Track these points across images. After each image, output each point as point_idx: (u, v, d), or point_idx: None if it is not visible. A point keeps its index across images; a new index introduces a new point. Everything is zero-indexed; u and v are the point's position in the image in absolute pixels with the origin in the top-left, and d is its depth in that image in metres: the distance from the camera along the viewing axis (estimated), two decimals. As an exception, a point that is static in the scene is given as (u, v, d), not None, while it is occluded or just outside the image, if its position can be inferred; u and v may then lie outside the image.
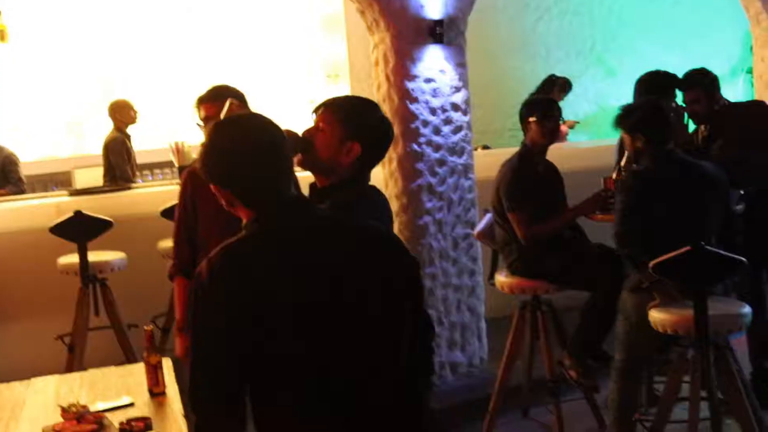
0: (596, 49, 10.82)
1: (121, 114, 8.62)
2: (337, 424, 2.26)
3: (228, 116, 2.47)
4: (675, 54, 10.03)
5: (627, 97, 5.66)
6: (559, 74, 9.47)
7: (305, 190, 2.99)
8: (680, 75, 5.54)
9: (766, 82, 7.55)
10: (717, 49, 10.14)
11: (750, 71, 9.88)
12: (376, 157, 2.99)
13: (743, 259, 4.06)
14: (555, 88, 9.28)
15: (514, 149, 5.47)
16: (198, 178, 4.02)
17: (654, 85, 5.48)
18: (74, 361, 5.81)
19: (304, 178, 2.97)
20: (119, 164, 8.56)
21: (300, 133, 2.95)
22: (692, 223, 4.49)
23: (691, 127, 5.70)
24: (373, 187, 3.03)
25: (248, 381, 2.26)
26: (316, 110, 2.94)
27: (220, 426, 2.27)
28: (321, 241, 2.29)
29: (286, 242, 2.27)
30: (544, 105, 5.28)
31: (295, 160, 2.87)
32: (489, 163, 6.29)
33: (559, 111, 5.26)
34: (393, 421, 2.35)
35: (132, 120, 8.66)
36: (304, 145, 2.90)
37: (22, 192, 7.73)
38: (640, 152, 4.65)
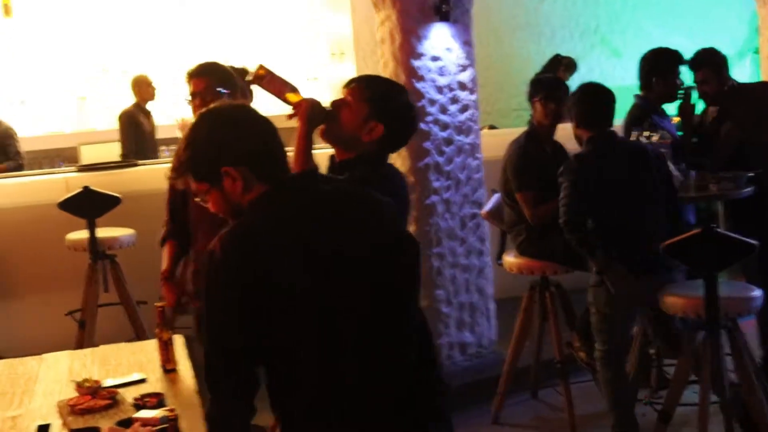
0: (601, 30, 10.78)
1: (139, 89, 8.66)
2: (357, 396, 2.27)
3: (210, 107, 2.46)
4: (680, 35, 9.98)
5: (632, 77, 5.65)
6: (563, 54, 9.44)
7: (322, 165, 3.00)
8: (686, 55, 5.53)
9: (773, 63, 7.54)
10: (723, 30, 10.10)
11: (757, 52, 9.85)
12: (398, 142, 3.03)
13: (755, 242, 4.06)
14: (560, 67, 9.25)
15: (520, 129, 5.46)
16: None
17: (658, 63, 5.47)
18: (84, 337, 5.83)
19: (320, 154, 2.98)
20: (122, 139, 8.58)
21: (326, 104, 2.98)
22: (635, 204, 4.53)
23: (699, 107, 5.70)
24: (392, 166, 3.04)
25: (262, 361, 2.27)
26: (347, 84, 2.97)
27: (232, 407, 2.28)
28: (329, 212, 2.30)
29: (295, 216, 2.27)
30: (549, 85, 5.26)
31: (318, 130, 2.89)
32: (496, 143, 6.29)
33: (565, 91, 5.23)
34: (411, 391, 2.35)
35: (149, 96, 8.69)
36: (328, 116, 2.92)
37: (21, 167, 7.70)
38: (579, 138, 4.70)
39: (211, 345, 2.28)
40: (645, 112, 5.42)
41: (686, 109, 5.50)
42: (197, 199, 2.39)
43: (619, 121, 5.55)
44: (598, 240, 4.46)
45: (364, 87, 2.95)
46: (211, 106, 2.46)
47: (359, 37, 10.10)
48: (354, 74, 9.87)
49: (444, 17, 5.53)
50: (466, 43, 5.74)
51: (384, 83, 3.16)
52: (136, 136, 8.63)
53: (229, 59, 5.28)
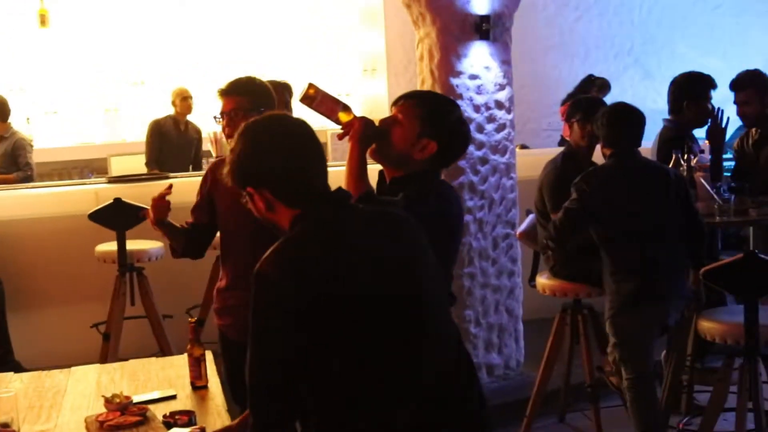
0: (635, 51, 10.71)
1: (175, 101, 8.67)
2: (404, 413, 2.24)
3: (254, 118, 2.43)
4: (715, 57, 9.93)
5: (664, 99, 5.58)
6: (597, 75, 9.37)
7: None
8: (719, 79, 5.46)
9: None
10: (757, 53, 10.00)
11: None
12: (451, 158, 2.96)
13: (796, 268, 3.98)
14: (593, 88, 9.16)
15: (555, 149, 5.41)
16: (220, 171, 3.96)
17: (689, 88, 5.40)
18: (109, 350, 5.79)
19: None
20: (146, 148, 8.59)
21: (377, 122, 2.91)
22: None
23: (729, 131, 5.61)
24: (445, 183, 2.98)
25: (307, 385, 2.24)
26: (397, 101, 2.90)
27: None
28: (369, 231, 2.28)
29: (338, 236, 2.26)
30: (587, 106, 5.19)
31: (369, 149, 2.84)
32: (529, 162, 6.24)
33: None
34: (460, 403, 2.34)
35: (185, 109, 8.69)
36: (379, 135, 2.86)
37: (30, 178, 7.63)
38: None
39: (257, 367, 2.27)
40: (676, 135, 5.35)
41: (716, 133, 5.41)
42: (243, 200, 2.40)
43: (648, 144, 5.49)
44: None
45: (415, 104, 2.87)
46: (255, 119, 2.42)
47: (392, 54, 10.07)
48: (386, 91, 9.85)
49: (484, 36, 5.49)
50: (505, 62, 5.70)
51: (435, 98, 3.09)
52: (161, 146, 8.61)
53: (263, 74, 5.25)
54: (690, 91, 5.40)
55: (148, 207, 3.97)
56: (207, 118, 8.58)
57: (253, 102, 3.76)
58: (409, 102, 2.88)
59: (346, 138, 2.96)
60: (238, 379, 3.79)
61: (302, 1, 10.55)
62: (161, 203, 3.91)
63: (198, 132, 8.84)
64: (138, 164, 8.39)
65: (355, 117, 2.99)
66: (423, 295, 2.29)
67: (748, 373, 4.10)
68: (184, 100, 8.68)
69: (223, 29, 10.41)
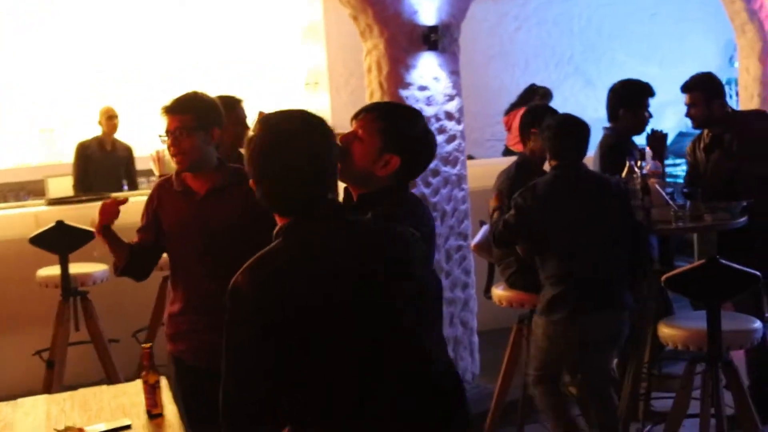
0: (575, 60, 10.77)
1: (100, 121, 8.49)
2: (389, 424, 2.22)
3: (274, 112, 2.33)
4: (653, 65, 10.01)
5: (605, 107, 5.57)
6: (538, 84, 9.39)
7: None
8: (657, 86, 5.47)
9: (751, 94, 7.52)
10: (696, 60, 10.10)
11: (730, 82, 9.87)
12: (417, 171, 2.80)
13: (758, 273, 3.97)
14: (536, 97, 9.18)
15: (505, 159, 5.37)
16: (166, 190, 3.78)
17: (626, 95, 5.40)
18: (53, 378, 5.60)
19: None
20: (73, 172, 8.41)
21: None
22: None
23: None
24: (413, 197, 2.86)
25: (283, 398, 2.18)
26: (356, 116, 2.76)
27: None
28: (353, 248, 2.20)
29: (317, 255, 2.17)
30: (545, 115, 5.15)
31: None
32: (480, 173, 6.19)
33: None
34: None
35: (110, 128, 8.49)
36: (340, 154, 2.72)
37: None
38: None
39: (231, 381, 2.19)
40: (616, 143, 5.35)
41: (657, 139, 5.41)
42: None
43: (590, 152, 5.47)
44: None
45: (375, 117, 2.69)
46: (275, 112, 2.31)
47: (333, 68, 10.01)
48: (328, 105, 9.77)
49: (432, 46, 5.44)
50: (454, 73, 5.65)
51: (397, 110, 2.92)
52: (86, 168, 8.44)
53: (205, 89, 5.11)
54: (627, 99, 5.40)
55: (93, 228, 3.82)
56: (139, 136, 8.53)
57: (198, 119, 3.62)
58: (370, 116, 2.71)
59: None
60: (195, 405, 3.68)
61: (243, 15, 10.42)
62: (111, 208, 3.75)
63: (128, 150, 8.66)
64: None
65: None
66: (394, 320, 2.22)
67: (711, 379, 4.07)
68: (109, 120, 8.50)
69: (163, 45, 10.24)
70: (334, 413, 2.17)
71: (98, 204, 3.87)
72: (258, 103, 4.15)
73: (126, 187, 8.35)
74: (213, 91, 5.16)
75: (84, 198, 6.88)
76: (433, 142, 2.83)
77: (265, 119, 2.27)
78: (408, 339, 2.24)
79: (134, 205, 4.02)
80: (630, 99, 5.40)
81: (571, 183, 4.50)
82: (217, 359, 3.65)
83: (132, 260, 3.83)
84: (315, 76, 10.24)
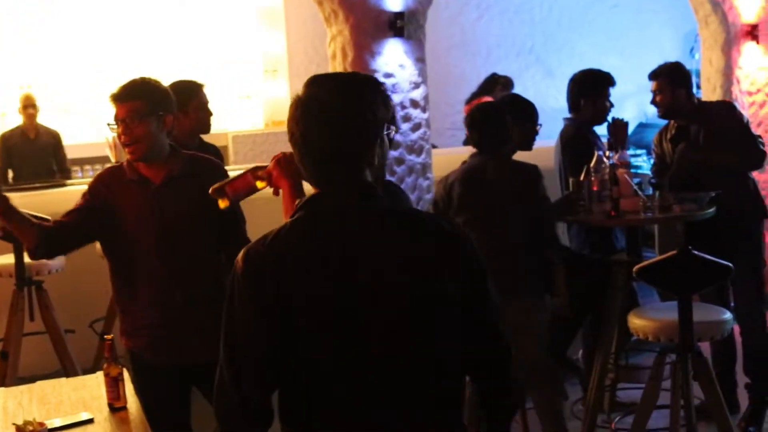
0: (536, 50, 10.75)
1: (20, 110, 8.35)
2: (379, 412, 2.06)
3: (325, 74, 2.20)
4: (613, 56, 10.01)
5: (565, 97, 5.54)
6: (499, 73, 9.35)
7: None
8: (618, 76, 5.45)
9: (713, 85, 7.53)
10: (656, 51, 10.12)
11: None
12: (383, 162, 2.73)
13: (730, 264, 3.95)
14: (497, 86, 9.13)
15: (467, 148, 5.31)
16: (117, 178, 3.61)
17: (587, 86, 5.37)
18: (7, 369, 5.44)
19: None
20: None
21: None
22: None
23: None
24: (391, 183, 2.79)
25: (279, 383, 2.07)
26: None
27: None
28: (361, 231, 2.05)
29: (328, 231, 2.04)
30: (517, 106, 5.11)
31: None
32: (444, 162, 6.12)
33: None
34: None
35: (24, 117, 8.35)
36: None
37: None
38: None
39: (225, 362, 2.07)
40: (577, 133, 5.32)
41: (618, 129, 5.38)
42: None
43: (551, 143, 5.44)
44: None
45: None
46: (318, 75, 2.16)
47: (293, 55, 9.89)
48: (287, 92, 9.65)
49: (398, 33, 5.37)
50: (419, 60, 5.59)
51: None
52: (11, 160, 8.33)
53: (163, 76, 4.97)
54: (587, 89, 5.38)
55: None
56: (101, 124, 8.35)
57: (150, 106, 3.50)
58: None
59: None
60: (153, 402, 3.57)
61: (200, 1, 10.26)
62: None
63: (54, 137, 8.52)
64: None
65: (271, 163, 2.73)
66: (397, 323, 2.04)
67: (682, 370, 4.04)
68: (24, 110, 8.37)
69: (121, 30, 10.04)
70: (312, 415, 2.06)
71: (57, 191, 3.77)
72: (213, 90, 4.04)
73: (58, 175, 8.18)
74: (169, 77, 5.06)
75: (38, 185, 6.70)
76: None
77: (311, 79, 2.12)
78: (410, 345, 2.05)
79: (72, 193, 3.88)
80: (591, 89, 5.37)
81: (479, 174, 4.49)
82: (175, 354, 3.58)
83: (46, 239, 3.61)
84: (274, 63, 10.11)
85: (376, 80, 2.20)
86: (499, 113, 4.65)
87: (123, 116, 3.47)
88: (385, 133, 2.14)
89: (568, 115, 5.47)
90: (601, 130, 5.52)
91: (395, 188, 2.80)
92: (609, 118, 5.42)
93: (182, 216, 3.53)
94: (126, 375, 3.37)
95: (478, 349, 2.14)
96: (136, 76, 3.63)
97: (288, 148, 2.21)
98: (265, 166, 2.74)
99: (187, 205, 3.53)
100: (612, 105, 5.40)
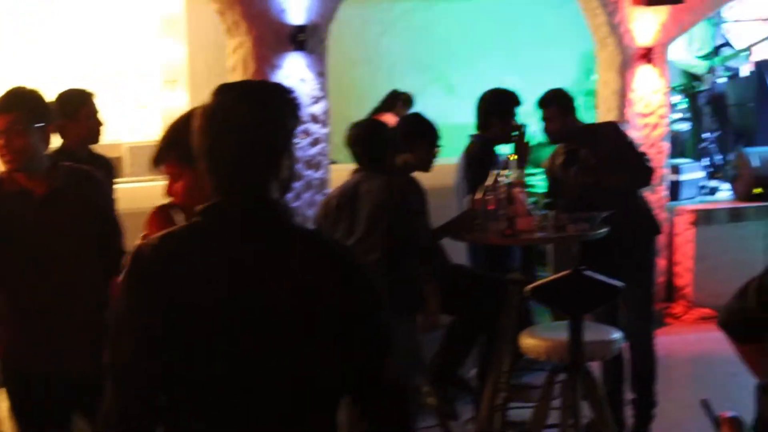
0: (437, 67, 10.82)
1: None
2: None
3: (233, 82, 2.14)
4: (514, 75, 10.11)
5: (465, 114, 5.60)
6: (401, 89, 9.39)
7: None
8: (521, 95, 5.52)
9: (609, 106, 7.69)
10: (554, 71, 10.29)
11: (587, 94, 10.09)
12: None
13: (620, 284, 4.02)
14: (398, 103, 9.19)
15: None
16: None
17: (497, 104, 5.44)
18: None
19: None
20: None
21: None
22: None
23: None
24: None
25: (165, 392, 1.99)
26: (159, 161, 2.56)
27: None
28: (252, 246, 1.99)
29: (220, 243, 1.98)
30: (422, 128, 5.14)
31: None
32: (343, 178, 6.10)
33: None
34: None
35: None
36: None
37: None
38: None
39: (111, 366, 1.99)
40: (483, 152, 5.37)
41: (522, 148, 5.46)
42: None
43: (452, 160, 5.48)
44: None
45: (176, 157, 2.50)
46: (225, 84, 2.09)
47: (194, 65, 9.74)
48: (187, 103, 9.49)
49: (300, 47, 5.34)
50: (320, 74, 5.57)
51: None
52: None
53: (56, 84, 4.84)
54: (497, 108, 5.43)
55: None
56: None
57: (30, 116, 3.40)
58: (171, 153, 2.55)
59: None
60: (29, 414, 3.47)
61: (97, 7, 10.03)
62: None
63: None
64: None
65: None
66: (282, 340, 1.97)
67: (572, 389, 4.09)
68: None
69: (11, 36, 9.75)
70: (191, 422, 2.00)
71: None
72: (111, 100, 3.96)
73: None
74: (63, 86, 4.94)
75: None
76: None
77: (218, 88, 2.06)
78: (289, 362, 1.98)
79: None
80: (500, 107, 5.42)
81: (353, 190, 4.55)
82: (51, 366, 3.47)
83: None
84: (173, 73, 9.94)
85: (285, 89, 2.14)
86: (377, 130, 4.67)
87: (3, 128, 3.38)
88: (295, 144, 2.11)
89: (473, 132, 5.51)
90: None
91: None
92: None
93: (63, 228, 3.46)
94: (2, 396, 3.25)
95: (362, 369, 2.06)
96: (21, 84, 3.53)
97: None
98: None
99: (68, 217, 3.47)
100: (518, 124, 5.45)
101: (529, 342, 4.24)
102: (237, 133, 1.99)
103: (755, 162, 8.07)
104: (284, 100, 2.07)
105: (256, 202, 2.02)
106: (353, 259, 2.11)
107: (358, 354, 2.03)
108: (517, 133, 5.40)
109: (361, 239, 4.41)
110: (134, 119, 9.63)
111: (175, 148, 2.49)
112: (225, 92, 2.04)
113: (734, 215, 8.02)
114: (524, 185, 5.18)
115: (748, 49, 9.31)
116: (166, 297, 1.94)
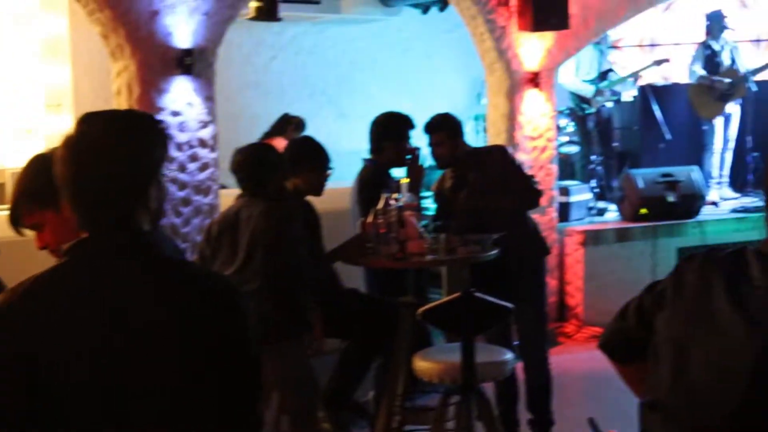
0: (329, 91, 10.81)
1: None
2: None
3: (97, 111, 2.04)
4: (405, 99, 10.17)
5: (357, 139, 5.60)
6: (292, 114, 9.35)
7: None
8: (414, 119, 5.55)
9: (498, 130, 7.79)
10: (444, 96, 10.40)
11: (478, 118, 10.21)
12: None
13: (510, 305, 4.05)
14: (290, 127, 9.14)
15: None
16: None
17: (390, 128, 5.45)
18: None
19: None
20: None
21: None
22: None
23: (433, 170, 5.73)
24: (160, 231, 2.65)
25: None
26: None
27: None
28: (123, 283, 1.89)
29: (90, 281, 1.88)
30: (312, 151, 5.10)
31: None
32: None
33: None
34: None
35: None
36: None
37: None
38: None
39: None
40: (377, 175, 5.38)
41: (415, 172, 5.48)
42: None
43: (344, 184, 5.47)
44: None
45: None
46: (89, 113, 1.99)
47: (79, 89, 9.52)
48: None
49: (187, 70, 5.26)
50: (208, 99, 5.50)
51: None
52: None
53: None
54: (391, 132, 5.45)
55: None
56: None
57: None
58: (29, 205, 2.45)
59: None
60: None
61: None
62: None
63: None
64: None
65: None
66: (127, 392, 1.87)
67: (465, 411, 4.10)
68: None
69: None
70: None
71: None
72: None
73: None
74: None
75: None
76: None
77: (82, 117, 1.97)
78: (163, 405, 1.88)
79: None
80: (394, 131, 5.44)
81: (234, 216, 4.45)
82: None
83: None
84: (57, 97, 9.70)
85: (152, 118, 2.10)
86: (262, 155, 4.62)
87: None
88: (163, 174, 2.04)
89: (367, 156, 5.50)
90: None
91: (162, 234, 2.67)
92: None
93: None
94: None
95: (231, 404, 1.95)
96: None
97: None
98: None
99: None
100: (411, 148, 5.46)
101: (422, 365, 4.24)
102: (102, 163, 1.91)
103: (640, 183, 8.27)
104: (151, 129, 2.02)
105: (124, 236, 1.94)
106: (227, 290, 2.02)
107: (227, 388, 1.95)
108: (410, 156, 5.42)
109: (240, 268, 4.33)
110: (18, 144, 9.35)
111: (29, 198, 2.39)
112: (89, 121, 1.96)
113: (621, 235, 8.19)
114: (417, 208, 5.21)
115: (635, 74, 9.55)
116: (31, 352, 1.81)
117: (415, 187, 5.37)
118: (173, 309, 1.91)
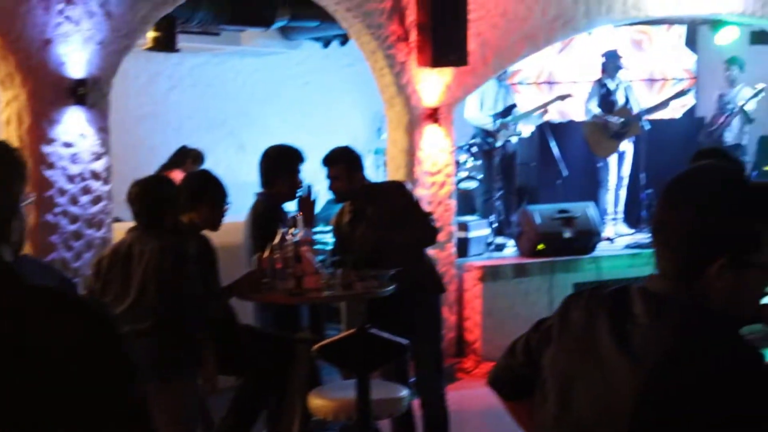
0: (228, 123, 10.74)
1: None
2: None
3: None
4: (304, 132, 10.16)
5: (257, 172, 5.54)
6: (191, 146, 9.25)
7: None
8: (308, 153, 5.53)
9: (397, 165, 7.80)
10: (344, 129, 10.40)
11: (378, 152, 10.24)
12: None
13: (405, 342, 4.03)
14: (188, 159, 9.04)
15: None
16: None
17: (280, 161, 5.42)
18: None
19: None
20: None
21: None
22: None
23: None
24: (26, 257, 2.57)
25: None
26: None
27: None
28: None
29: None
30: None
31: None
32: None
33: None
34: None
35: None
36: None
37: None
38: None
39: None
40: (269, 209, 5.33)
41: (306, 206, 5.46)
42: None
43: (242, 217, 5.41)
44: None
45: None
46: None
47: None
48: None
49: (79, 101, 5.15)
50: (102, 130, 5.39)
51: None
52: None
53: None
54: (282, 164, 5.41)
55: None
56: None
57: None
58: None
59: None
60: None
61: None
62: None
63: None
64: None
65: None
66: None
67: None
68: None
69: None
70: None
71: None
72: None
73: None
74: None
75: None
76: None
77: None
78: None
79: None
80: (286, 164, 5.40)
81: (127, 249, 4.37)
82: None
83: None
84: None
85: (9, 147, 2.00)
86: (157, 188, 4.55)
87: None
88: (22, 205, 1.96)
89: (259, 190, 5.45)
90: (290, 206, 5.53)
91: (36, 264, 2.60)
92: (298, 195, 5.45)
93: None
94: None
95: None
96: None
97: None
98: None
99: None
100: (302, 181, 5.44)
101: (317, 402, 4.20)
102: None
103: (537, 219, 8.37)
104: (9, 162, 1.94)
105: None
106: (105, 320, 1.92)
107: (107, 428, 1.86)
108: (302, 190, 5.39)
109: (132, 304, 4.23)
110: None
111: None
112: None
113: (519, 271, 8.27)
114: (312, 243, 5.17)
115: (542, 107, 9.69)
116: None
117: (308, 221, 5.33)
118: (38, 343, 1.77)
